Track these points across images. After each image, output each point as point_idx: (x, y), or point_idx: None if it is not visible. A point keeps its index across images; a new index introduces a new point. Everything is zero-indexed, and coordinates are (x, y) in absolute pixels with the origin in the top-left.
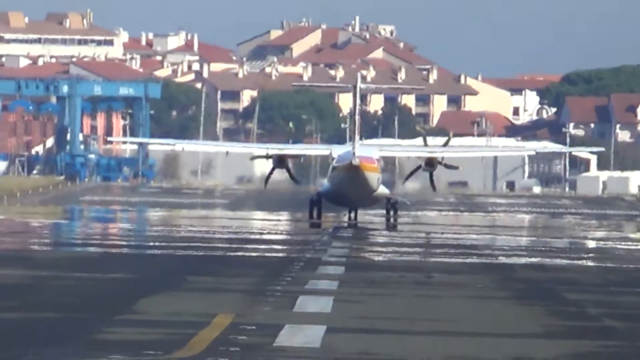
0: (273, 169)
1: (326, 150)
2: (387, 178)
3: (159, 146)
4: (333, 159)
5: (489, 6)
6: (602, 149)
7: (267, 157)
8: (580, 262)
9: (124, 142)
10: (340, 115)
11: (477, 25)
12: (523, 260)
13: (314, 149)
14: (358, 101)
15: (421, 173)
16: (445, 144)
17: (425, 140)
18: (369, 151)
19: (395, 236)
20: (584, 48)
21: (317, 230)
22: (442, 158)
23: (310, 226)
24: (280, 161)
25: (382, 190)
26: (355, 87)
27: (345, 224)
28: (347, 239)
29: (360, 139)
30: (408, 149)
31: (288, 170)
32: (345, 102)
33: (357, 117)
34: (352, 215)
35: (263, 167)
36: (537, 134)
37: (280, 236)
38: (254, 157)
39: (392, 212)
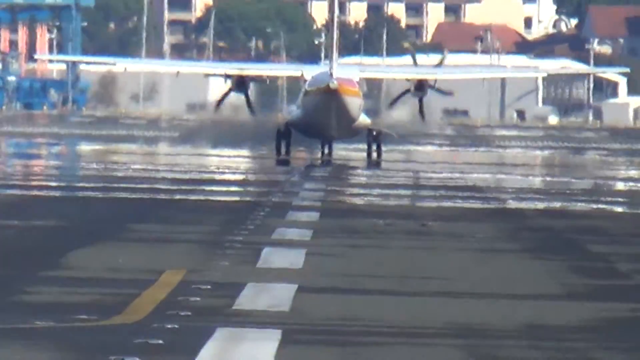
0: (229, 91)
1: (297, 71)
2: (371, 105)
3: (93, 66)
4: (305, 81)
5: None
6: (627, 69)
7: (225, 76)
8: (606, 207)
9: (51, 61)
10: (314, 28)
11: None
12: (537, 204)
13: (282, 70)
14: (336, 11)
15: (410, 98)
16: (439, 64)
17: (414, 59)
18: (348, 72)
19: (380, 175)
20: None
21: (285, 169)
22: (435, 81)
23: (277, 163)
24: (240, 83)
25: (364, 119)
26: None
27: (319, 160)
28: (322, 179)
29: (339, 57)
30: (394, 70)
31: (246, 96)
32: (319, 12)
33: (335, 30)
34: (327, 149)
35: (220, 91)
36: (554, 50)
37: (240, 176)
38: (218, 104)
39: (374, 146)
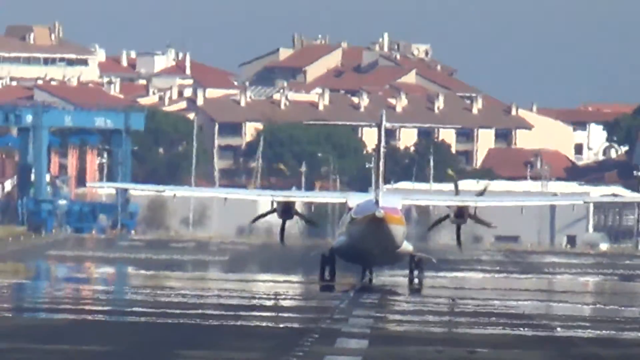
0: (284, 222)
1: (341, 199)
2: (419, 230)
3: (142, 191)
4: (350, 209)
5: (545, 23)
6: None
7: (273, 211)
8: None
9: (102, 188)
10: (364, 152)
11: (531, 45)
12: (587, 332)
13: (327, 197)
14: (382, 141)
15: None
16: (481, 193)
17: (456, 187)
18: (391, 200)
19: (427, 302)
20: None
21: (332, 295)
22: (475, 209)
23: (321, 289)
24: (286, 211)
25: (406, 246)
26: (379, 124)
27: (362, 286)
28: (370, 305)
29: (390, 182)
30: (436, 197)
31: (300, 216)
32: (370, 136)
33: (381, 159)
34: (369, 275)
35: (269, 215)
36: (604, 177)
37: (290, 302)
38: (256, 219)
39: (416, 272)
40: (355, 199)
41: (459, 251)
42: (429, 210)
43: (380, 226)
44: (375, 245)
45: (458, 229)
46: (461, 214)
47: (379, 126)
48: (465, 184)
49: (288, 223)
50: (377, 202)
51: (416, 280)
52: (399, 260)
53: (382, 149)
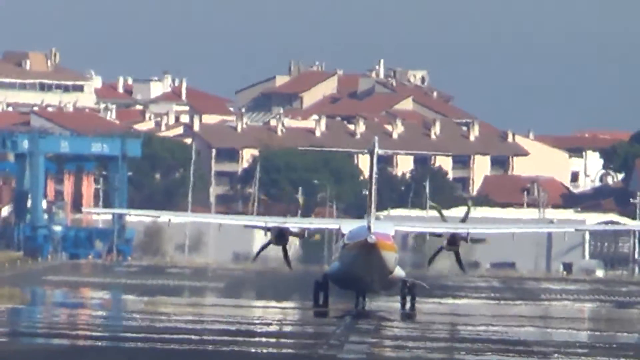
0: (269, 243)
1: (335, 225)
2: (416, 257)
3: (138, 216)
4: (343, 235)
5: (541, 49)
6: None
7: (266, 229)
8: None
9: (97, 214)
10: (361, 178)
11: (528, 72)
12: (583, 359)
13: (321, 223)
14: (375, 169)
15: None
16: (464, 218)
17: (442, 215)
18: (383, 226)
19: (423, 328)
20: None
21: (329, 321)
22: (467, 234)
23: (315, 315)
24: (279, 236)
25: (398, 271)
26: (371, 151)
27: (358, 312)
28: (365, 331)
29: (384, 209)
30: (428, 225)
31: (284, 250)
32: (367, 162)
33: (373, 187)
34: (361, 300)
35: (268, 246)
36: (601, 204)
37: (286, 327)
38: (258, 253)
39: (409, 298)
40: (348, 226)
41: (463, 273)
42: (424, 237)
43: (372, 252)
44: (367, 271)
45: (456, 254)
46: (454, 241)
47: (371, 153)
48: (461, 211)
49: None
50: (369, 228)
51: (408, 306)
52: (392, 286)
53: (374, 176)
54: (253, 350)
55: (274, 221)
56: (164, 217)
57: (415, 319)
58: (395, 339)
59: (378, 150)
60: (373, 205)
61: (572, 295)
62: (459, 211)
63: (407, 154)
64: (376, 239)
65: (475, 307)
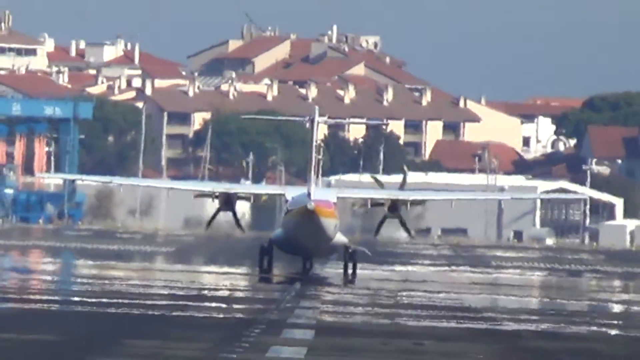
0: (218, 210)
1: (280, 191)
2: (365, 223)
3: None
4: (287, 201)
5: (494, 16)
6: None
7: (214, 196)
8: (601, 329)
9: (51, 178)
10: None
11: (480, 38)
12: (532, 326)
13: (266, 189)
14: (315, 137)
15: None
16: (402, 185)
17: (404, 181)
18: (326, 194)
19: (374, 294)
20: (610, 67)
21: (280, 287)
22: (408, 203)
23: (259, 280)
24: (227, 202)
25: (340, 238)
26: (312, 120)
27: (304, 276)
28: (316, 297)
29: (335, 174)
30: (370, 191)
31: (234, 214)
32: (319, 126)
33: (313, 154)
34: (308, 266)
35: (215, 207)
36: (551, 170)
37: (237, 293)
38: (198, 195)
39: (350, 264)
40: (292, 192)
41: (411, 238)
42: (367, 203)
43: (311, 218)
44: (308, 237)
45: (400, 219)
46: (395, 208)
47: (312, 121)
48: (413, 176)
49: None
50: (309, 194)
51: (350, 271)
52: (334, 251)
53: (314, 144)
54: (203, 315)
55: (221, 187)
56: (116, 182)
57: (355, 285)
58: (348, 305)
59: (318, 119)
60: (312, 172)
61: (522, 262)
62: (410, 177)
63: (350, 123)
64: (315, 206)
65: (426, 274)
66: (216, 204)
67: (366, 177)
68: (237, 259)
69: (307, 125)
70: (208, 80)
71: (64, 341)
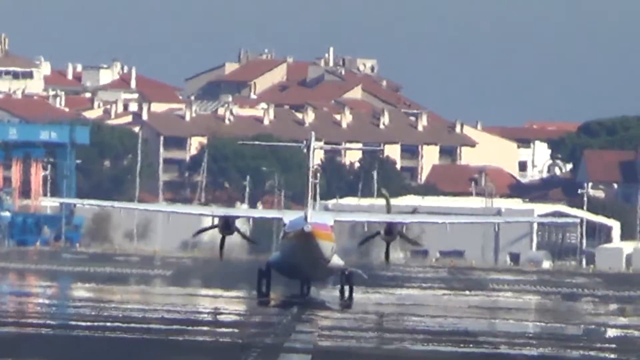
0: (223, 238)
1: (278, 215)
2: (365, 248)
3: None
4: (285, 224)
5: (491, 41)
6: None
7: (215, 226)
8: (598, 354)
9: (52, 202)
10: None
11: (477, 63)
12: (530, 350)
13: (264, 213)
14: (312, 162)
15: (406, 245)
16: (388, 209)
17: (388, 205)
18: (323, 217)
19: (371, 319)
20: (606, 92)
21: (276, 310)
22: (403, 227)
23: (258, 304)
24: (226, 227)
25: (337, 260)
26: (308, 146)
27: (299, 300)
28: (313, 320)
29: (332, 198)
30: (367, 215)
31: (240, 233)
32: (315, 151)
33: (309, 179)
34: (306, 289)
35: (211, 230)
36: (548, 194)
37: (233, 317)
38: (198, 232)
39: (347, 287)
40: (289, 216)
41: (387, 266)
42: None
43: (308, 241)
44: (304, 259)
45: (387, 245)
46: (390, 232)
47: (308, 147)
48: (409, 200)
49: (232, 238)
50: (305, 218)
51: (346, 294)
52: (330, 274)
53: (310, 169)
54: (199, 339)
55: (220, 211)
56: (116, 206)
57: (352, 308)
58: (345, 329)
59: (314, 145)
60: (310, 197)
61: (519, 285)
62: (406, 200)
63: (346, 149)
64: (312, 228)
65: (423, 298)
66: (214, 223)
67: (365, 201)
68: (234, 282)
69: (304, 150)
70: (205, 104)
71: None
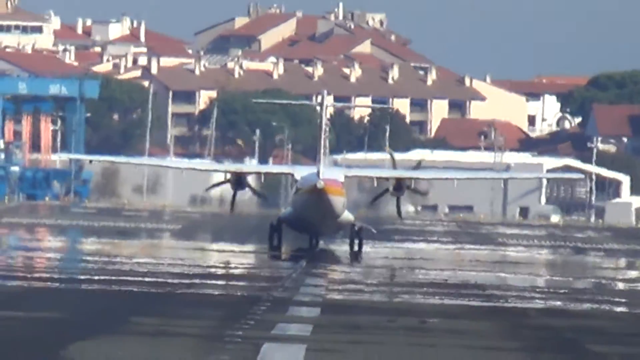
0: (235, 193)
1: (288, 171)
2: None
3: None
4: (296, 180)
5: None
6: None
7: (226, 181)
8: (607, 307)
9: (55, 157)
10: (319, 121)
11: (486, 16)
12: (538, 304)
13: (275, 169)
14: (324, 119)
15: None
16: (416, 168)
17: (393, 161)
18: (334, 173)
19: (380, 272)
20: (615, 45)
21: (286, 264)
22: (412, 182)
23: (270, 257)
24: (238, 183)
25: (347, 215)
26: (321, 104)
27: (311, 254)
28: (322, 274)
29: (341, 153)
30: (376, 170)
31: (251, 189)
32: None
33: (322, 135)
34: (315, 243)
35: (222, 184)
36: (557, 148)
37: (242, 270)
38: (210, 187)
39: (356, 241)
40: (301, 172)
41: (400, 220)
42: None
43: (320, 196)
44: (316, 215)
45: (398, 200)
46: (399, 187)
47: (320, 104)
48: (419, 154)
49: (242, 193)
50: (318, 173)
51: (356, 249)
52: (341, 229)
53: (323, 125)
54: (208, 292)
55: (232, 167)
56: (124, 161)
57: (361, 262)
58: (353, 283)
59: (327, 103)
60: (322, 152)
61: (528, 240)
62: (416, 154)
63: (357, 107)
64: (324, 184)
65: (433, 252)
66: (226, 178)
67: (371, 156)
68: (245, 236)
69: (317, 108)
70: (214, 59)
71: (70, 319)
